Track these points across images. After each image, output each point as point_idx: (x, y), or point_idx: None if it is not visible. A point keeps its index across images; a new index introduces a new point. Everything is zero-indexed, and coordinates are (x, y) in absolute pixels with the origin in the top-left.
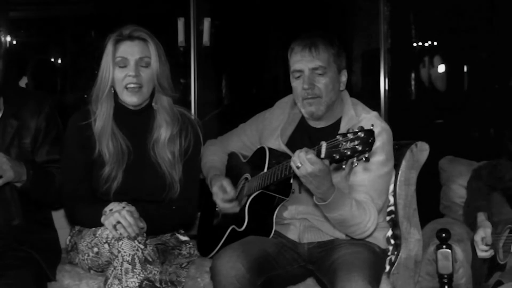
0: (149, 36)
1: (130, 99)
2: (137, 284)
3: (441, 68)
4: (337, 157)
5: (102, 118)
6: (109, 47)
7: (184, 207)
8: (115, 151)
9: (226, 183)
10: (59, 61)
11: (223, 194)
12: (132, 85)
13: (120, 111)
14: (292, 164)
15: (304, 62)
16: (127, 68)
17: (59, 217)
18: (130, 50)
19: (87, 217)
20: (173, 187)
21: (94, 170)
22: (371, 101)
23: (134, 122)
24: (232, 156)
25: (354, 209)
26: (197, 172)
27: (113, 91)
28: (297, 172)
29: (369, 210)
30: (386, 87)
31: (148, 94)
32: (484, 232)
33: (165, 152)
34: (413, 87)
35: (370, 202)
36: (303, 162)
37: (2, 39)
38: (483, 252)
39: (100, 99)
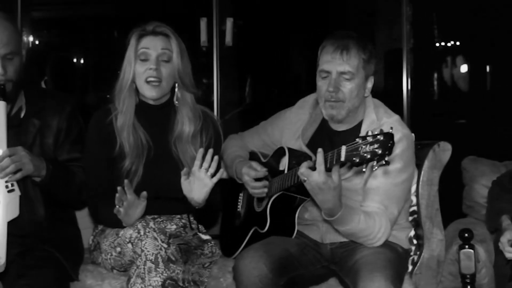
0: (171, 32)
1: (149, 93)
2: (160, 283)
3: (464, 68)
4: (357, 160)
5: (123, 112)
6: (132, 42)
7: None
8: (135, 144)
9: (255, 164)
10: (81, 61)
11: (255, 172)
12: (152, 79)
13: (142, 107)
14: (300, 176)
15: (333, 64)
16: (148, 61)
17: (82, 217)
18: (152, 44)
19: (109, 217)
20: None
21: (115, 164)
22: (394, 101)
23: (155, 118)
24: (251, 156)
25: (362, 223)
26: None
27: (134, 87)
28: (305, 185)
29: (379, 221)
30: (409, 87)
31: (167, 89)
32: (510, 235)
33: (188, 148)
34: (435, 87)
35: (382, 212)
36: (307, 175)
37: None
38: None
39: (123, 94)
